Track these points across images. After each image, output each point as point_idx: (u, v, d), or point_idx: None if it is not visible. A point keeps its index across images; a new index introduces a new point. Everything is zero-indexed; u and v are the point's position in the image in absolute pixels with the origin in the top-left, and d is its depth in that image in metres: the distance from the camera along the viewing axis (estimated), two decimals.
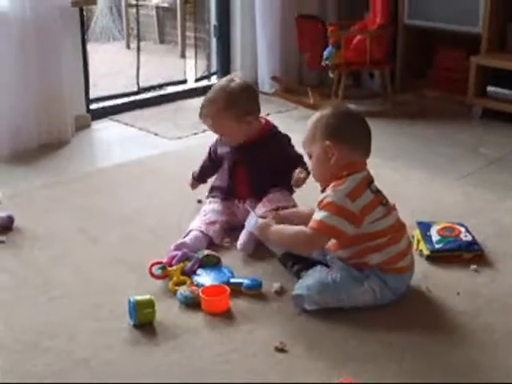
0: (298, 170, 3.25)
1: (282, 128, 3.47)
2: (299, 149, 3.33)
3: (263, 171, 3.32)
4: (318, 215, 2.61)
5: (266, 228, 2.81)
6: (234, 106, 3.22)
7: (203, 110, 3.31)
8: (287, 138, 3.42)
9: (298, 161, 3.34)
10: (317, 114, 2.76)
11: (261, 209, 3.20)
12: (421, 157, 4.38)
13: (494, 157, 4.44)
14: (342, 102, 2.77)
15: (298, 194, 3.38)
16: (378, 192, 2.68)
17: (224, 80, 3.35)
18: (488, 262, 3.04)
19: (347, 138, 2.67)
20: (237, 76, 3.40)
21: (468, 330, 2.58)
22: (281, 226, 2.80)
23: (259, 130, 3.34)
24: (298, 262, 2.89)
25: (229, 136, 3.35)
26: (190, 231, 3.15)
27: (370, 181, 2.68)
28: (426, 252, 3.04)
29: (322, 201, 2.63)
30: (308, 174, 3.25)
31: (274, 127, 3.43)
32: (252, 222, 2.88)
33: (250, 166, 3.33)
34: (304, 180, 3.22)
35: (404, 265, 2.70)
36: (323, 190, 2.69)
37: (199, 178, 3.60)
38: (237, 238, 3.15)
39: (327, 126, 2.68)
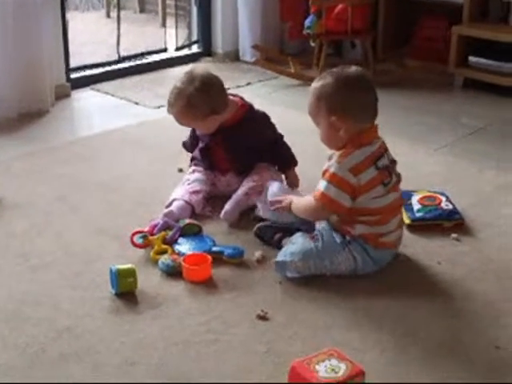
0: (288, 180, 3.31)
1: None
2: (279, 125, 3.35)
3: (242, 151, 3.26)
4: (322, 185, 2.62)
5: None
6: (194, 109, 3.14)
7: (168, 107, 3.22)
8: (265, 118, 3.34)
9: (276, 144, 3.33)
10: (319, 84, 2.67)
11: (247, 183, 3.21)
12: (402, 126, 4.38)
13: (475, 126, 4.45)
14: (342, 68, 2.70)
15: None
16: (384, 168, 2.64)
17: (183, 81, 3.17)
18: (469, 231, 3.06)
19: (353, 111, 2.61)
20: (198, 70, 3.24)
21: (449, 298, 2.60)
22: (296, 199, 2.81)
23: (233, 113, 3.25)
24: (277, 231, 2.90)
25: (197, 129, 3.34)
26: (174, 200, 3.13)
27: (378, 155, 2.63)
28: (406, 221, 3.04)
29: (326, 170, 2.63)
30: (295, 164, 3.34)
31: (250, 108, 3.32)
32: (274, 189, 2.93)
33: (227, 148, 3.28)
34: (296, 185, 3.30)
35: (387, 241, 2.70)
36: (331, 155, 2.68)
37: (191, 149, 3.48)
38: (217, 207, 3.15)
39: (331, 100, 2.61)
